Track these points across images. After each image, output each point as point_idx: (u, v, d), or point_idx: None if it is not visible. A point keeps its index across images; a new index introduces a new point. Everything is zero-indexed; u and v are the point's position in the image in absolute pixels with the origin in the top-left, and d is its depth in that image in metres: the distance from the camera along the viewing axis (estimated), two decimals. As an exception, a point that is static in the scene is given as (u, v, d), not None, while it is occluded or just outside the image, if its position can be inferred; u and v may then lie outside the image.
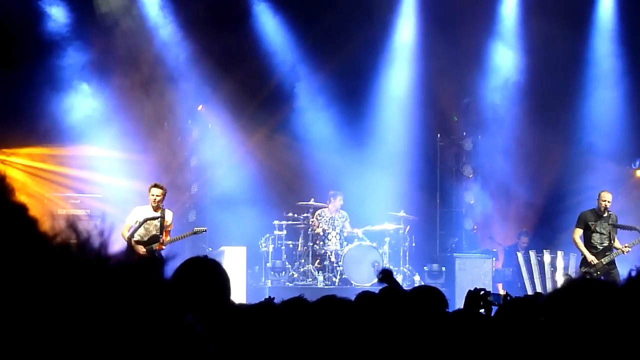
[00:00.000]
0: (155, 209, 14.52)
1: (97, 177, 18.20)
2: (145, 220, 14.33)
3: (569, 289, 2.98)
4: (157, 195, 14.44)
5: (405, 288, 16.60)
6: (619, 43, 19.58)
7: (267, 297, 5.32)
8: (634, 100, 19.16)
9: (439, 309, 5.54)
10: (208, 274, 4.09)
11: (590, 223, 14.89)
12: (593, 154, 19.11)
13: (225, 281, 4.37)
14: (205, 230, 15.59)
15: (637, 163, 19.89)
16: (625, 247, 14.77)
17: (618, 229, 15.05)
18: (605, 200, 14.86)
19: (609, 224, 14.83)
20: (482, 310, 6.02)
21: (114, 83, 18.42)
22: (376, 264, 17.30)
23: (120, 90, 18.43)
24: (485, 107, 20.08)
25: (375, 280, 17.05)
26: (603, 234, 14.82)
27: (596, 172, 18.65)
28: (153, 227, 14.56)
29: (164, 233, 14.67)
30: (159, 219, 14.53)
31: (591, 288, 2.94)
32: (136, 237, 14.31)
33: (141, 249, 14.26)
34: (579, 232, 15.04)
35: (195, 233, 15.26)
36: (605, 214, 14.85)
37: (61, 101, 18.17)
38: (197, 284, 3.64)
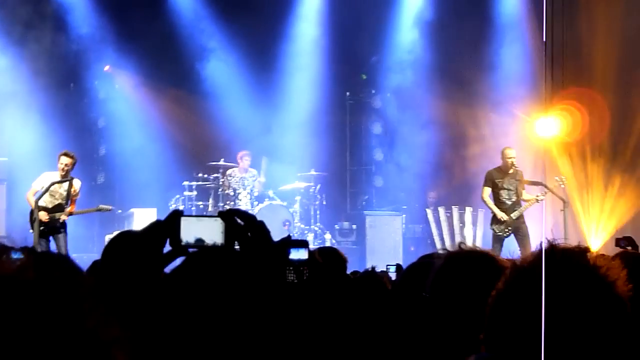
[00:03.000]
0: (64, 177, 14.32)
1: (3, 140, 17.83)
2: (52, 184, 14.13)
3: (450, 264, 3.03)
4: (65, 164, 14.24)
5: (314, 247, 16.61)
6: None
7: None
8: (538, 52, 19.41)
9: (339, 270, 5.59)
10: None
11: (497, 181, 15.12)
12: (499, 110, 19.33)
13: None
14: (111, 209, 15.46)
15: (542, 118, 20.18)
16: (538, 196, 15.02)
17: (526, 184, 15.31)
18: (510, 157, 15.09)
19: (515, 180, 15.06)
20: None
21: (16, 43, 18.04)
22: (287, 223, 17.35)
23: (24, 51, 18.06)
24: (394, 64, 20.16)
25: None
26: (510, 189, 15.06)
27: (501, 126, 18.91)
28: (59, 196, 14.38)
29: (70, 202, 14.49)
30: (66, 184, 14.33)
31: (470, 261, 3.00)
32: (41, 204, 14.10)
33: (44, 216, 14.06)
34: (487, 191, 15.26)
35: (99, 210, 15.11)
36: (512, 170, 15.08)
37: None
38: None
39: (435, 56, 19.97)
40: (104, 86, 19.60)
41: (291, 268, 2.85)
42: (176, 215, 2.52)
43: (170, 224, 2.51)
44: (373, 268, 5.19)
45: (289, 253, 2.92)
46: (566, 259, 1.93)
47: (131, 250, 2.50)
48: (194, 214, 17.70)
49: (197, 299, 2.04)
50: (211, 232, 2.53)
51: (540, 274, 1.88)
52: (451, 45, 19.85)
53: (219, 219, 2.55)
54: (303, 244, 3.01)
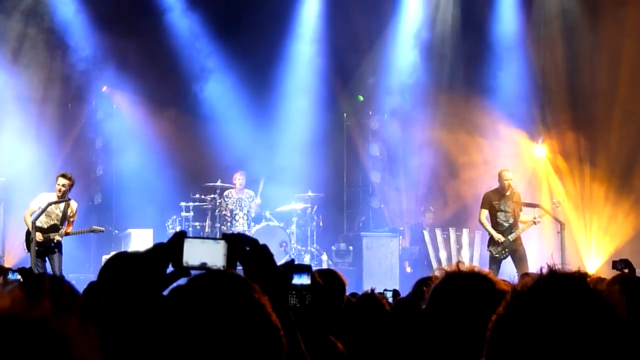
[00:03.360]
0: (61, 198, 14.31)
1: (1, 160, 17.80)
2: (49, 205, 14.13)
3: (447, 283, 3.02)
4: (63, 185, 14.24)
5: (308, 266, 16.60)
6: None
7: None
8: (538, 73, 19.47)
9: (338, 292, 5.58)
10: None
11: (494, 203, 15.10)
12: (497, 132, 19.35)
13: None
14: (103, 231, 15.43)
15: (541, 139, 20.23)
16: (535, 218, 15.00)
17: (522, 206, 15.30)
18: (507, 179, 15.08)
19: (512, 202, 15.05)
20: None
21: (13, 64, 18.06)
22: (284, 244, 17.33)
23: (22, 72, 18.07)
24: (392, 86, 20.20)
25: (283, 260, 17.14)
26: (507, 212, 15.04)
27: (503, 149, 18.96)
28: (55, 216, 14.38)
29: (67, 223, 14.49)
30: (63, 205, 14.32)
31: (463, 282, 2.99)
32: (37, 224, 14.08)
33: (39, 237, 14.05)
34: (484, 213, 15.24)
35: (93, 231, 15.09)
36: (509, 192, 15.07)
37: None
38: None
39: (432, 78, 20.03)
40: (102, 106, 19.61)
41: (294, 292, 2.85)
42: (180, 237, 2.52)
43: (173, 246, 2.50)
44: (372, 290, 5.19)
45: (291, 278, 2.92)
46: (567, 284, 1.92)
47: (130, 271, 2.50)
48: (190, 234, 17.68)
49: (197, 321, 2.03)
50: (214, 254, 2.53)
51: (541, 300, 1.88)
52: (448, 67, 19.92)
53: (222, 241, 2.55)
54: (306, 269, 3.01)
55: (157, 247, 2.52)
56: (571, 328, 1.85)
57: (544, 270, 1.95)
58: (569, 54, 19.20)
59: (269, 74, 20.01)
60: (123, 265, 2.89)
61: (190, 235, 2.61)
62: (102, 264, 4.53)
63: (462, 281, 3.00)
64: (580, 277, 1.95)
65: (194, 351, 2.01)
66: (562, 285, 1.91)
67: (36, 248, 13.93)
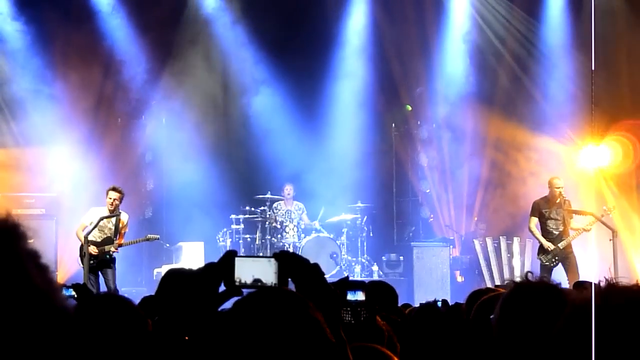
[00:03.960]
0: (112, 211, 14.46)
1: (53, 176, 17.98)
2: (101, 219, 14.27)
3: (517, 294, 3.01)
4: (114, 199, 14.40)
5: (362, 279, 16.59)
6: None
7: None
8: (579, 80, 19.29)
9: (391, 303, 5.59)
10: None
11: (544, 210, 15.01)
12: (547, 139, 19.22)
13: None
14: (158, 238, 15.55)
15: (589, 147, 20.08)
16: (586, 226, 14.87)
17: (573, 214, 15.18)
18: (558, 187, 14.98)
19: (563, 210, 14.94)
20: None
21: (64, 80, 18.24)
22: (334, 255, 17.34)
23: (71, 87, 18.25)
24: (440, 96, 20.15)
25: (334, 271, 17.17)
26: (557, 219, 14.94)
27: (549, 156, 18.83)
28: (107, 230, 14.52)
29: (119, 236, 14.63)
30: (114, 219, 14.47)
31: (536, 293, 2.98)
32: (90, 239, 14.24)
33: (94, 250, 14.20)
34: (534, 221, 15.16)
35: (148, 240, 15.22)
36: (559, 200, 14.97)
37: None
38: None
39: (481, 86, 19.94)
40: (151, 120, 19.74)
41: (348, 309, 2.86)
42: (230, 256, 2.54)
43: (224, 265, 2.52)
44: (436, 301, 5.19)
45: (346, 294, 2.94)
46: (625, 299, 1.91)
47: (183, 291, 2.52)
48: (241, 247, 17.78)
49: (255, 337, 2.04)
50: (265, 272, 2.55)
51: (598, 314, 1.87)
52: (497, 75, 19.82)
53: (272, 259, 2.57)
54: (360, 285, 3.02)
55: (209, 266, 2.55)
56: (629, 342, 1.84)
57: (602, 284, 1.95)
58: (618, 58, 19.02)
59: (317, 87, 20.03)
60: (177, 283, 2.92)
61: (241, 251, 2.64)
62: (158, 281, 4.57)
63: (532, 292, 2.99)
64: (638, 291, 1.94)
65: None
66: (621, 299, 1.90)
67: (90, 262, 14.08)
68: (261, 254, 17.36)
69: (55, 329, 1.51)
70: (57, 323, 1.52)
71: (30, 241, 1.78)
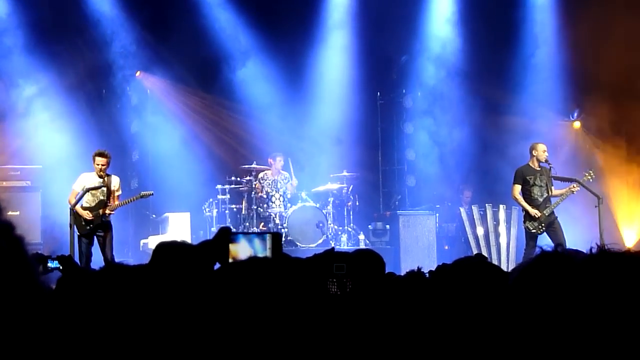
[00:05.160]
0: (101, 176, 14.42)
1: (38, 148, 17.92)
2: (87, 190, 14.24)
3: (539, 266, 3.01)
4: (102, 164, 14.36)
5: (348, 247, 16.65)
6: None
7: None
8: (570, 52, 19.32)
9: (378, 271, 5.59)
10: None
11: (528, 177, 15.00)
12: (532, 108, 19.26)
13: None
14: (152, 194, 15.52)
15: (575, 114, 20.13)
16: (572, 187, 14.85)
17: (553, 179, 15.18)
18: (544, 151, 14.97)
19: (546, 176, 14.95)
20: None
21: (49, 52, 18.15)
22: (321, 224, 17.36)
23: (56, 59, 18.17)
24: (425, 63, 20.12)
25: (320, 240, 17.20)
26: (542, 186, 14.94)
27: (535, 125, 18.87)
28: (100, 193, 14.47)
29: (112, 199, 14.58)
30: (102, 186, 14.44)
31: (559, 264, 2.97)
32: (84, 204, 14.27)
33: (87, 215, 14.21)
34: (517, 188, 15.14)
35: (142, 197, 15.17)
36: (541, 167, 14.97)
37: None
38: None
39: (466, 54, 19.90)
40: (136, 92, 19.67)
41: (334, 280, 2.87)
42: (225, 234, 2.54)
43: (219, 243, 2.52)
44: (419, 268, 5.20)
45: (332, 266, 2.95)
46: (622, 263, 1.92)
47: (179, 266, 2.52)
48: (227, 217, 17.78)
49: (240, 304, 2.04)
50: (259, 249, 2.55)
51: (593, 278, 1.88)
52: (483, 43, 19.79)
53: (267, 235, 2.57)
54: (346, 259, 3.03)
55: (204, 244, 2.55)
56: (627, 305, 1.85)
57: (594, 250, 1.95)
58: (603, 31, 19.05)
59: (301, 55, 19.98)
60: (171, 258, 2.91)
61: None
62: (152, 254, 4.55)
63: (558, 260, 2.99)
64: (634, 256, 1.94)
65: (233, 330, 2.02)
66: (617, 263, 1.91)
67: (87, 227, 14.11)
68: (255, 230, 17.40)
69: (28, 303, 1.49)
70: (31, 297, 1.51)
71: (8, 213, 1.75)
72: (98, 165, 14.37)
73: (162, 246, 4.39)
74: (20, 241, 1.70)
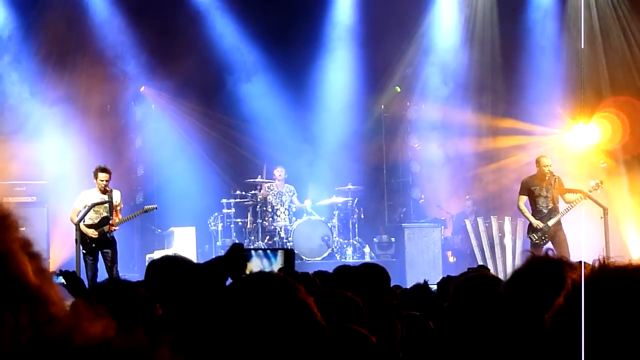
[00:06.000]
0: (103, 192, 14.44)
1: (43, 163, 17.94)
2: (93, 206, 14.25)
3: (529, 270, 3.02)
4: (105, 180, 14.39)
5: (354, 261, 16.65)
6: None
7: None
8: (564, 67, 19.35)
9: (384, 284, 5.61)
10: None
11: (532, 188, 15.03)
12: (539, 119, 19.24)
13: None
14: (156, 208, 15.54)
15: (581, 125, 20.12)
16: (575, 201, 14.86)
17: (566, 193, 15.17)
18: (545, 166, 14.99)
19: (554, 187, 14.95)
20: None
21: (54, 68, 18.20)
22: (326, 237, 17.35)
23: (61, 75, 18.21)
24: (429, 76, 20.12)
25: (326, 254, 17.20)
26: (547, 197, 14.96)
27: (542, 136, 18.87)
28: (103, 209, 14.48)
29: (115, 214, 14.60)
30: (107, 202, 14.47)
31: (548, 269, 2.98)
32: (88, 222, 14.25)
33: (93, 233, 14.21)
34: (523, 199, 15.18)
35: (146, 211, 15.21)
36: (547, 177, 14.97)
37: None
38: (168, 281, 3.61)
39: (469, 66, 19.92)
40: (141, 106, 19.71)
41: None
42: (237, 250, 2.55)
43: (232, 259, 2.53)
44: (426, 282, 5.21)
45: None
46: (621, 277, 1.92)
47: (189, 283, 2.52)
48: (233, 231, 17.78)
49: (245, 320, 2.05)
50: (272, 264, 2.56)
51: (598, 292, 1.88)
52: (485, 54, 19.82)
53: (280, 251, 2.59)
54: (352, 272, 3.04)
55: (217, 260, 2.56)
56: (626, 321, 1.85)
57: (596, 264, 1.95)
58: (609, 39, 19.09)
59: (306, 70, 20.00)
60: (178, 274, 2.92)
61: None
62: (147, 266, 4.55)
63: (543, 266, 3.00)
64: (632, 271, 1.94)
65: (242, 349, 2.03)
66: (617, 277, 1.91)
67: (92, 245, 14.13)
68: (261, 243, 17.42)
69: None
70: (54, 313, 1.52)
71: (22, 229, 1.77)
72: (102, 181, 14.39)
73: (153, 264, 4.41)
74: (39, 257, 1.72)
